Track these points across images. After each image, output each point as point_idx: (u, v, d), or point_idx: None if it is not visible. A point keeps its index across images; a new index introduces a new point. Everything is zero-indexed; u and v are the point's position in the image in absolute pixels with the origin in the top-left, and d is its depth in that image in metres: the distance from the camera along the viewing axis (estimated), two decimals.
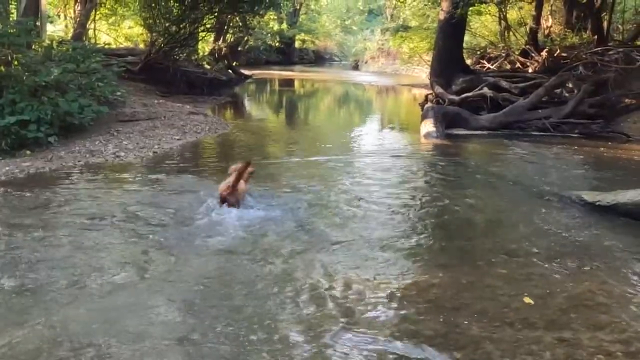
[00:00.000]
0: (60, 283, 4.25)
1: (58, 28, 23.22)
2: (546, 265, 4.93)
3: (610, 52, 14.07)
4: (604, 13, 15.80)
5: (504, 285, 4.50)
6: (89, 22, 18.51)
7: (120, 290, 4.19)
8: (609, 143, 11.62)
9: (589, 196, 6.77)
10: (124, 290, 4.20)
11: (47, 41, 12.29)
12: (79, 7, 19.58)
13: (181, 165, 8.49)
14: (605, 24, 15.58)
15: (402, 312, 4.04)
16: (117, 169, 8.04)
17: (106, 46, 18.02)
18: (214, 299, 4.11)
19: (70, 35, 17.81)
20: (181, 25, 17.54)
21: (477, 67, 19.41)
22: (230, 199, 5.83)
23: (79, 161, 8.23)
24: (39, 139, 8.76)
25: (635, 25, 17.23)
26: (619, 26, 17.93)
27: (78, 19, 17.93)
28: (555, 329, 3.82)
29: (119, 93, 12.02)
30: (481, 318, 3.94)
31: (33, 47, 11.47)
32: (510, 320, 3.92)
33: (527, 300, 4.31)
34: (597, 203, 6.57)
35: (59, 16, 24.01)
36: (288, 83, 31.22)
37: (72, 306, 3.92)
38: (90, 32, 19.99)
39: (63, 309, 3.88)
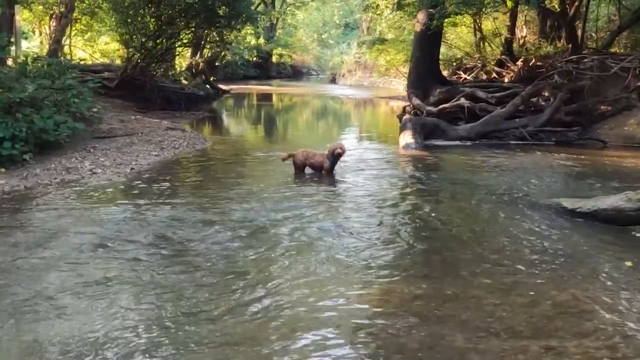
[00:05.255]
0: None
1: (33, 44, 23.03)
2: (529, 274, 4.93)
3: (585, 60, 14.24)
4: (578, 22, 16.01)
5: (488, 295, 4.47)
6: (65, 38, 18.34)
7: None
8: (587, 150, 11.77)
9: (569, 203, 6.80)
10: None
11: (22, 57, 12.10)
12: (54, 23, 19.46)
13: (159, 180, 8.38)
14: (579, 32, 15.78)
15: (387, 325, 3.99)
16: (93, 186, 7.90)
17: (82, 62, 17.83)
18: None
19: (45, 51, 17.63)
20: (158, 41, 17.43)
21: (454, 78, 19.52)
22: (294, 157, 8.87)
23: (54, 178, 8.08)
24: (14, 156, 8.58)
25: (608, 32, 17.48)
26: (593, 34, 18.18)
27: (53, 35, 17.75)
28: (541, 337, 3.79)
29: (95, 109, 11.86)
30: (466, 329, 3.90)
31: (7, 63, 11.33)
32: (496, 330, 3.89)
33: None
34: (578, 210, 6.60)
35: (33, 32, 23.81)
36: (266, 97, 31.16)
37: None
38: (66, 48, 19.82)
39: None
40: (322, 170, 8.77)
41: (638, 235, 6.13)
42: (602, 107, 13.52)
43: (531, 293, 4.52)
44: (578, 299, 4.42)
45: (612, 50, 16.20)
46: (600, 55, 14.26)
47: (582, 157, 10.88)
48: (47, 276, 4.65)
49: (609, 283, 4.76)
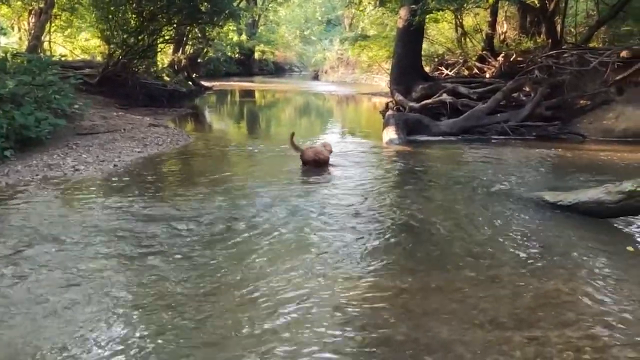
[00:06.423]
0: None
1: (12, 40, 22.80)
2: (512, 266, 4.99)
3: (565, 55, 14.37)
4: (557, 17, 16.17)
5: (472, 288, 4.52)
6: (44, 34, 18.15)
7: None
8: (567, 144, 11.90)
9: (550, 196, 6.89)
10: None
11: (1, 53, 11.99)
12: (33, 19, 19.26)
13: (142, 176, 8.35)
14: (558, 27, 15.93)
15: (372, 318, 4.02)
16: (75, 182, 7.85)
17: (62, 58, 17.67)
18: None
19: (24, 47, 17.45)
20: (139, 37, 17.30)
21: (436, 73, 19.67)
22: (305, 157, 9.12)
23: (36, 175, 8.02)
24: None
25: (587, 27, 17.68)
26: (572, 29, 18.38)
27: (32, 31, 17.57)
28: (524, 328, 3.85)
29: (76, 106, 11.77)
30: (451, 321, 3.95)
31: None
32: (480, 322, 3.94)
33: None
34: (559, 203, 6.69)
35: (12, 28, 23.56)
36: (249, 94, 31.08)
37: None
38: (46, 44, 19.62)
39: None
40: (326, 165, 9.22)
41: (618, 227, 6.23)
42: (581, 102, 13.65)
43: (514, 285, 4.58)
44: (560, 290, 4.49)
45: (591, 45, 16.38)
46: (580, 50, 14.41)
47: (562, 151, 11.00)
48: (32, 275, 4.63)
49: (590, 274, 4.84)
